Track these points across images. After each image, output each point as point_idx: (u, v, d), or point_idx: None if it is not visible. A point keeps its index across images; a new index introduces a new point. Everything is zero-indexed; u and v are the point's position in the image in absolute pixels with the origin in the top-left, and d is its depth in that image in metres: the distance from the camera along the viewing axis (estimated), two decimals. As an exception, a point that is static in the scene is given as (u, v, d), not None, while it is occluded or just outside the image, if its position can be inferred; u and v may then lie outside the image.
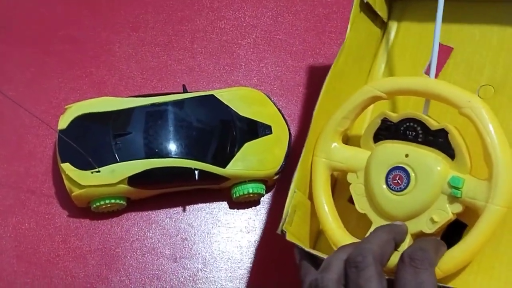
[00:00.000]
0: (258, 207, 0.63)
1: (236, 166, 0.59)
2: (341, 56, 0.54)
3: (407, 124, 0.49)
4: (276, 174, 0.61)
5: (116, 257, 0.60)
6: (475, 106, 0.45)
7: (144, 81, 0.67)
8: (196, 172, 0.57)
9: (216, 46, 0.69)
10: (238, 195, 0.60)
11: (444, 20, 0.51)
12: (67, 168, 0.56)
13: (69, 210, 0.61)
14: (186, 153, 0.58)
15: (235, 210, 0.63)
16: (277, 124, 0.62)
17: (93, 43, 0.68)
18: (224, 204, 0.63)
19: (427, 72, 0.52)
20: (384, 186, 0.48)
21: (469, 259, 0.46)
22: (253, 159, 0.60)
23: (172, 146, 0.58)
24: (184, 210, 0.62)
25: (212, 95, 0.61)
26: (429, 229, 0.47)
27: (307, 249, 0.48)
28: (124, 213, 0.61)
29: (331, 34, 0.71)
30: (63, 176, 0.57)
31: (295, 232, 0.51)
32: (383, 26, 0.61)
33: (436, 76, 0.53)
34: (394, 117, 0.50)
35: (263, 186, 0.61)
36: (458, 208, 0.46)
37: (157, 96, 0.60)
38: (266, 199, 0.63)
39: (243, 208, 0.63)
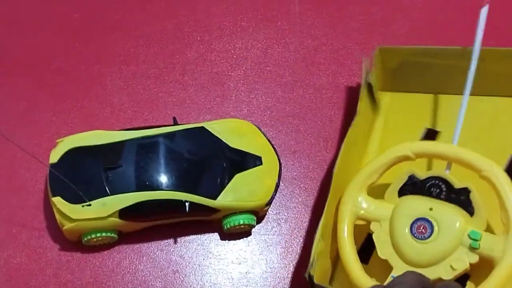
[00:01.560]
0: (249, 238, 0.63)
1: (226, 198, 0.59)
2: (355, 128, 0.60)
3: (433, 181, 0.56)
4: (266, 205, 0.61)
5: (107, 290, 0.60)
6: (496, 171, 0.53)
7: (135, 113, 0.67)
8: (187, 204, 0.58)
9: (206, 78, 0.70)
10: (229, 226, 0.60)
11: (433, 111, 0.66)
12: (58, 202, 0.57)
13: (60, 244, 0.61)
14: (176, 185, 0.58)
15: (226, 241, 0.63)
16: (267, 155, 0.63)
17: (85, 76, 0.68)
18: (215, 236, 0.63)
19: None
20: (409, 235, 0.54)
21: None
22: (244, 190, 0.60)
23: (163, 179, 0.58)
24: (175, 242, 0.62)
25: (203, 127, 0.62)
26: (447, 276, 0.52)
27: None
28: (115, 246, 0.61)
29: (320, 65, 0.72)
30: (54, 210, 0.57)
31: (316, 276, 0.54)
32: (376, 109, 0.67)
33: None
34: (422, 174, 0.57)
35: (254, 217, 0.61)
36: (475, 258, 0.52)
37: (148, 129, 0.61)
38: (257, 230, 0.64)
39: (234, 239, 0.63)
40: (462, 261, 0.52)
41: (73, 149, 0.59)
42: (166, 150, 0.59)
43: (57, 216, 0.57)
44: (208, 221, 0.62)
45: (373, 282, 0.55)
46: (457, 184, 0.55)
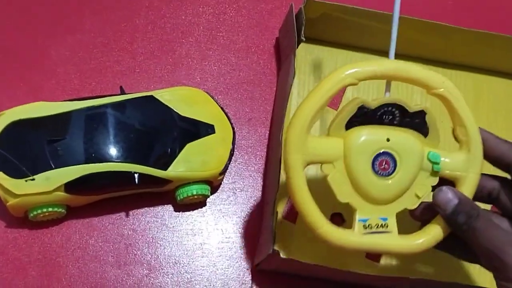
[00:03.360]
0: (203, 208, 0.62)
1: (178, 168, 0.57)
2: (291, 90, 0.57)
3: (385, 109, 0.50)
4: (220, 174, 0.60)
5: (57, 266, 0.58)
6: (451, 87, 0.50)
7: (82, 84, 0.65)
8: (136, 175, 0.56)
9: (156, 46, 0.68)
10: (182, 197, 0.59)
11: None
12: (0, 177, 0.54)
13: (6, 221, 0.58)
14: (125, 157, 0.56)
15: (180, 212, 0.61)
16: (220, 123, 0.61)
17: (28, 47, 0.65)
18: (169, 207, 0.61)
19: None
20: (372, 173, 0.49)
21: None
22: (196, 160, 0.58)
23: (110, 150, 0.56)
24: (127, 215, 0.60)
25: (151, 96, 0.60)
26: (412, 205, 0.50)
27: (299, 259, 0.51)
28: (64, 221, 0.59)
29: (275, 30, 0.71)
30: (-3, 186, 0.55)
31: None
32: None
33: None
34: (373, 103, 0.50)
35: (208, 187, 0.60)
36: (435, 181, 0.50)
37: (94, 99, 0.58)
38: (211, 200, 0.62)
39: (189, 210, 0.61)
40: (425, 186, 0.50)
41: (15, 122, 0.56)
42: (113, 120, 0.57)
43: (0, 192, 0.55)
44: (161, 193, 0.60)
45: (344, 231, 0.49)
46: (412, 107, 0.50)
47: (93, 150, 0.56)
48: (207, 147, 0.59)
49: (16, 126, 0.56)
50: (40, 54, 0.65)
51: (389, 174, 0.49)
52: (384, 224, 0.49)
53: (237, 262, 0.60)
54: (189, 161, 0.58)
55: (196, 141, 0.59)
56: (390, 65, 0.50)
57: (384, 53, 0.59)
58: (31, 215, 0.56)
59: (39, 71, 0.65)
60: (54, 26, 0.67)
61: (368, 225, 0.49)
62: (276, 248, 0.52)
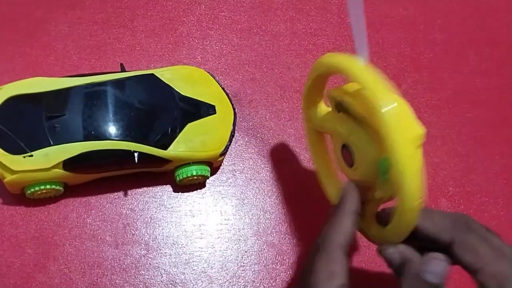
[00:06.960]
0: (203, 189, 0.61)
1: (178, 148, 0.56)
2: None
3: None
4: (221, 155, 0.59)
5: (54, 245, 0.57)
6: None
7: (81, 60, 0.64)
8: (136, 154, 0.55)
9: (157, 24, 0.67)
10: (181, 177, 0.58)
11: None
12: (-3, 153, 0.53)
13: (3, 197, 0.58)
14: (125, 135, 0.55)
15: (179, 193, 0.61)
16: (221, 103, 0.60)
17: (27, 21, 0.64)
18: (168, 188, 0.61)
19: None
20: (342, 160, 0.49)
21: None
22: (196, 140, 0.57)
23: (110, 128, 0.55)
24: (125, 194, 0.60)
25: (152, 74, 0.59)
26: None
27: None
28: (62, 199, 0.58)
29: (277, 11, 0.70)
30: (-6, 162, 0.54)
31: None
32: None
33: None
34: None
35: (208, 168, 0.59)
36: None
37: (94, 75, 0.57)
38: (211, 181, 0.61)
39: (188, 191, 0.61)
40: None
41: (14, 97, 0.56)
42: (113, 98, 0.56)
43: (-3, 168, 0.54)
44: (160, 173, 0.59)
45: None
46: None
47: (92, 127, 0.55)
48: (208, 127, 0.58)
49: (15, 101, 0.56)
50: (39, 29, 0.64)
51: (350, 166, 0.48)
52: None
53: (235, 244, 0.59)
54: (190, 141, 0.57)
55: (196, 121, 0.58)
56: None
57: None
58: (28, 192, 0.55)
59: (38, 46, 0.64)
60: (53, 1, 0.66)
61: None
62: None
